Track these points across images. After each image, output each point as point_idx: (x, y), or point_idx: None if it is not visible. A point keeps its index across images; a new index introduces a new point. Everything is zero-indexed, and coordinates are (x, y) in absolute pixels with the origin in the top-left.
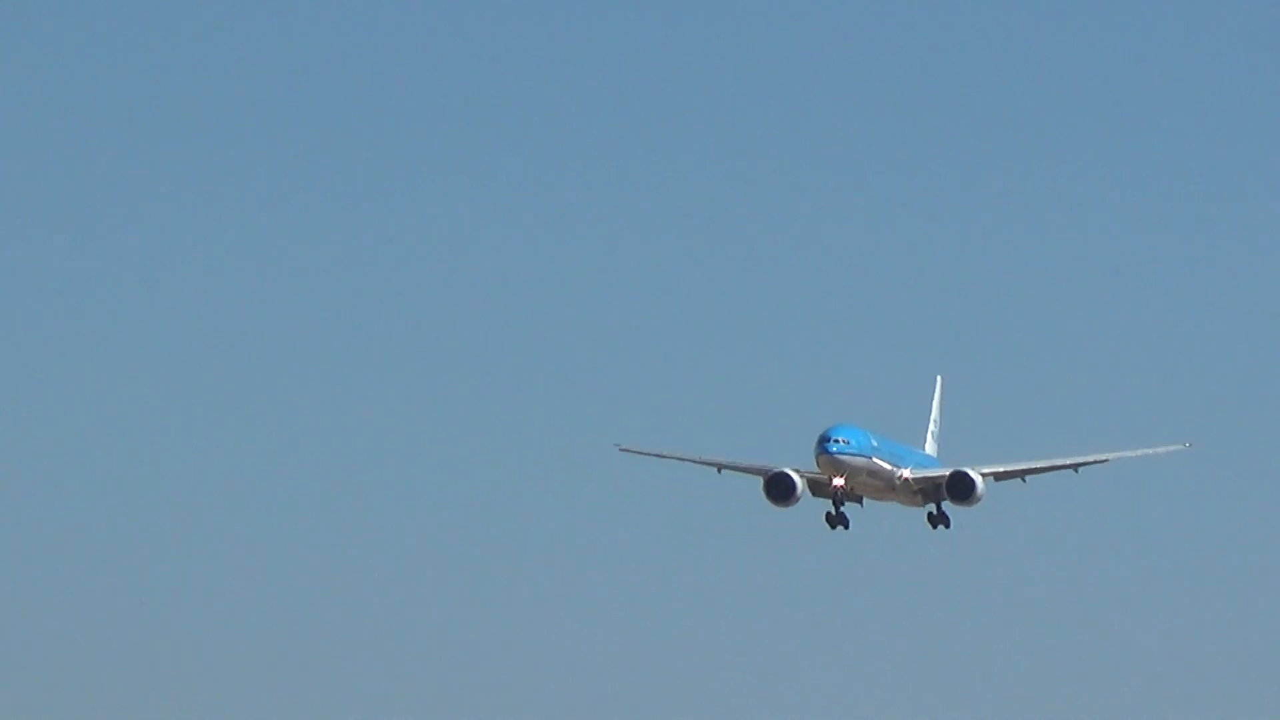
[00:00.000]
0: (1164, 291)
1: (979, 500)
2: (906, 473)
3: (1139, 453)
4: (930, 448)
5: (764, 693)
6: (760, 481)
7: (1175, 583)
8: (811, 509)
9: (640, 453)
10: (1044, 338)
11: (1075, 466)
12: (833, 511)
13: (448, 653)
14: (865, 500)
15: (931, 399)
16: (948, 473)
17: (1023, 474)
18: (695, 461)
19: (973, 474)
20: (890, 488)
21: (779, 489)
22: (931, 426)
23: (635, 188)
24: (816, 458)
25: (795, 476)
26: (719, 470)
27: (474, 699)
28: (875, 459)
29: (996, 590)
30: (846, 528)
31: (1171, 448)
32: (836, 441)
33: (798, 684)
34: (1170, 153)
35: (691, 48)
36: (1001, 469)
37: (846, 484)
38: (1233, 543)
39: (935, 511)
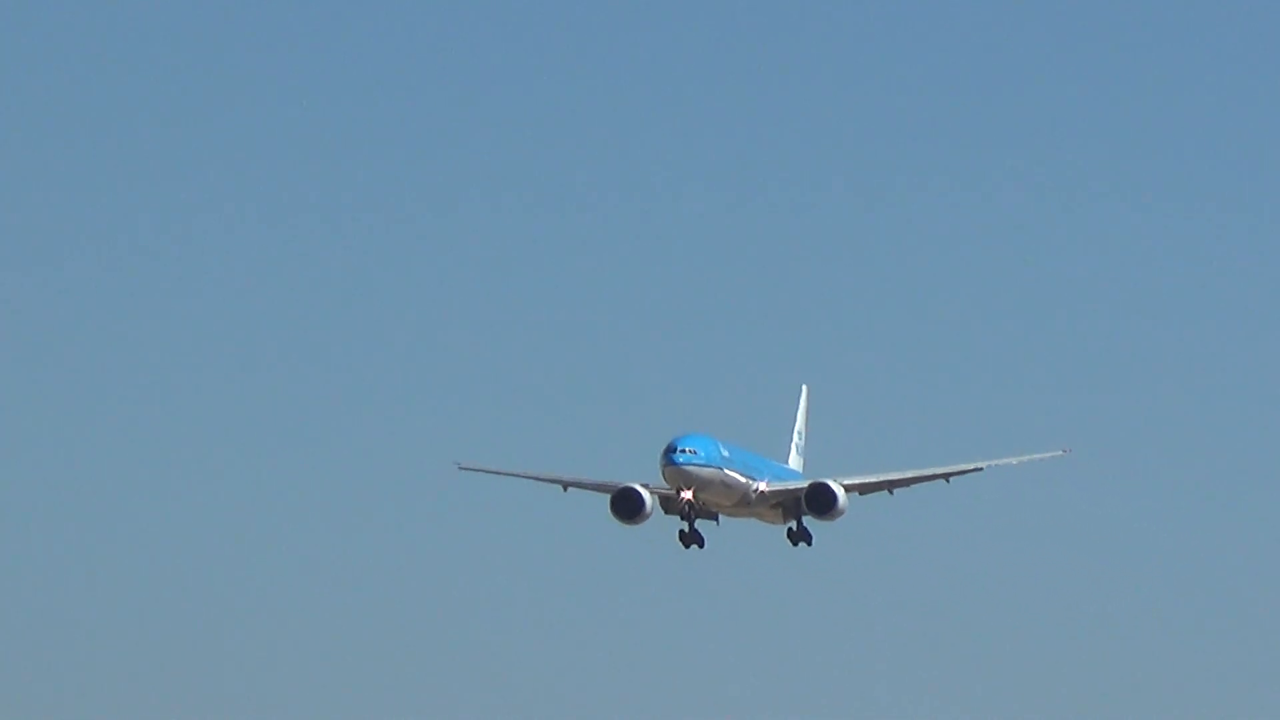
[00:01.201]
0: (1035, 296)
1: (841, 514)
2: (762, 485)
3: (1015, 460)
4: (795, 461)
5: (614, 712)
6: (608, 499)
7: (1052, 594)
8: (664, 527)
9: (482, 470)
10: (915, 345)
11: (947, 476)
12: (685, 529)
13: (278, 673)
14: (721, 517)
15: (796, 409)
16: (807, 485)
17: (890, 485)
18: (539, 479)
19: (834, 485)
20: (745, 502)
21: (626, 506)
22: (795, 438)
23: (468, 196)
24: (662, 469)
25: (644, 492)
26: (564, 488)
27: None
28: (727, 470)
29: (861, 610)
30: (701, 546)
31: (1049, 454)
32: (683, 452)
33: (649, 709)
34: (1022, 151)
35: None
36: (866, 480)
37: (696, 497)
38: (1112, 550)
39: (795, 527)
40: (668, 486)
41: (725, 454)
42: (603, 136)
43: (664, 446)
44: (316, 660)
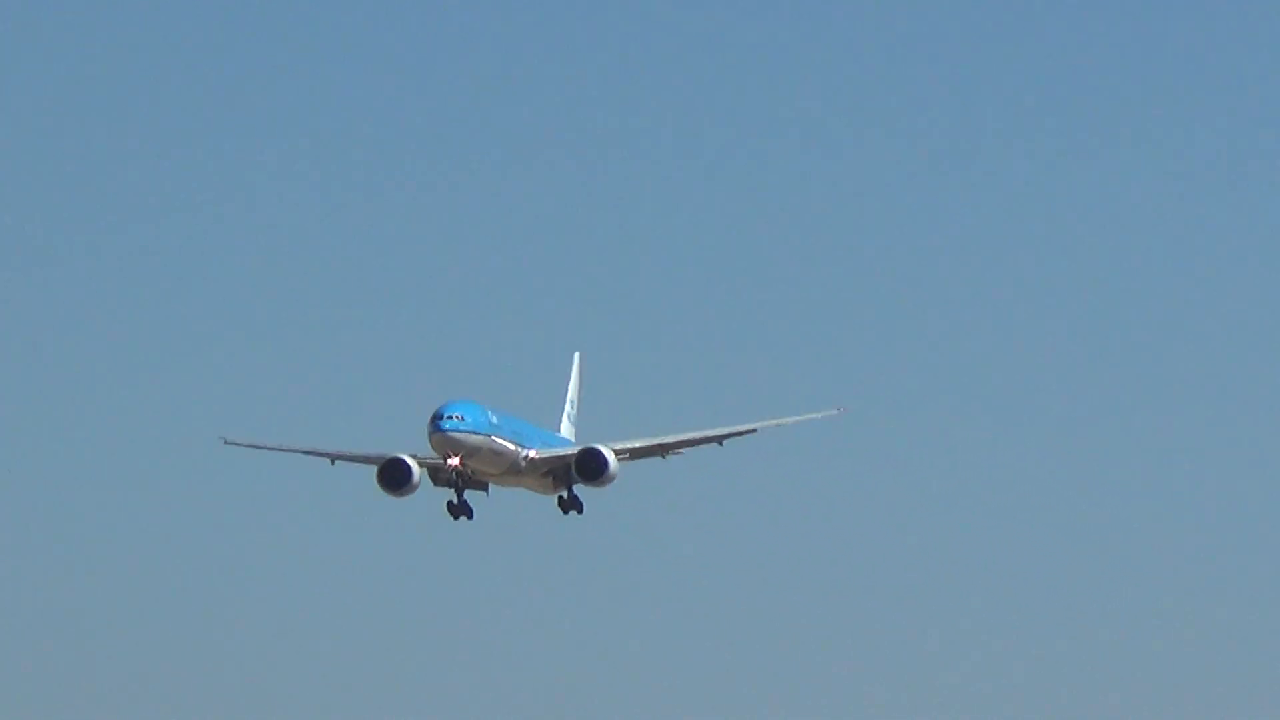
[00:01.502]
0: (806, 256)
1: (612, 479)
2: (532, 453)
3: (789, 420)
4: (567, 430)
5: (385, 689)
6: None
7: (828, 556)
8: (432, 499)
9: (247, 445)
10: (687, 311)
11: (720, 439)
12: (454, 500)
13: (51, 651)
14: (491, 487)
15: (568, 378)
16: (576, 450)
17: (662, 450)
18: (305, 453)
19: (604, 450)
20: (515, 470)
21: (393, 476)
22: (568, 407)
23: (251, 165)
24: (429, 437)
25: (411, 463)
26: (332, 461)
27: (74, 693)
28: (495, 437)
29: (634, 577)
30: (470, 517)
31: (823, 414)
32: (449, 418)
33: (421, 680)
34: (804, 104)
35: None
36: (637, 444)
37: (465, 466)
38: (892, 511)
39: (566, 496)
40: (435, 456)
41: (493, 420)
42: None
43: (430, 414)
44: (80, 639)
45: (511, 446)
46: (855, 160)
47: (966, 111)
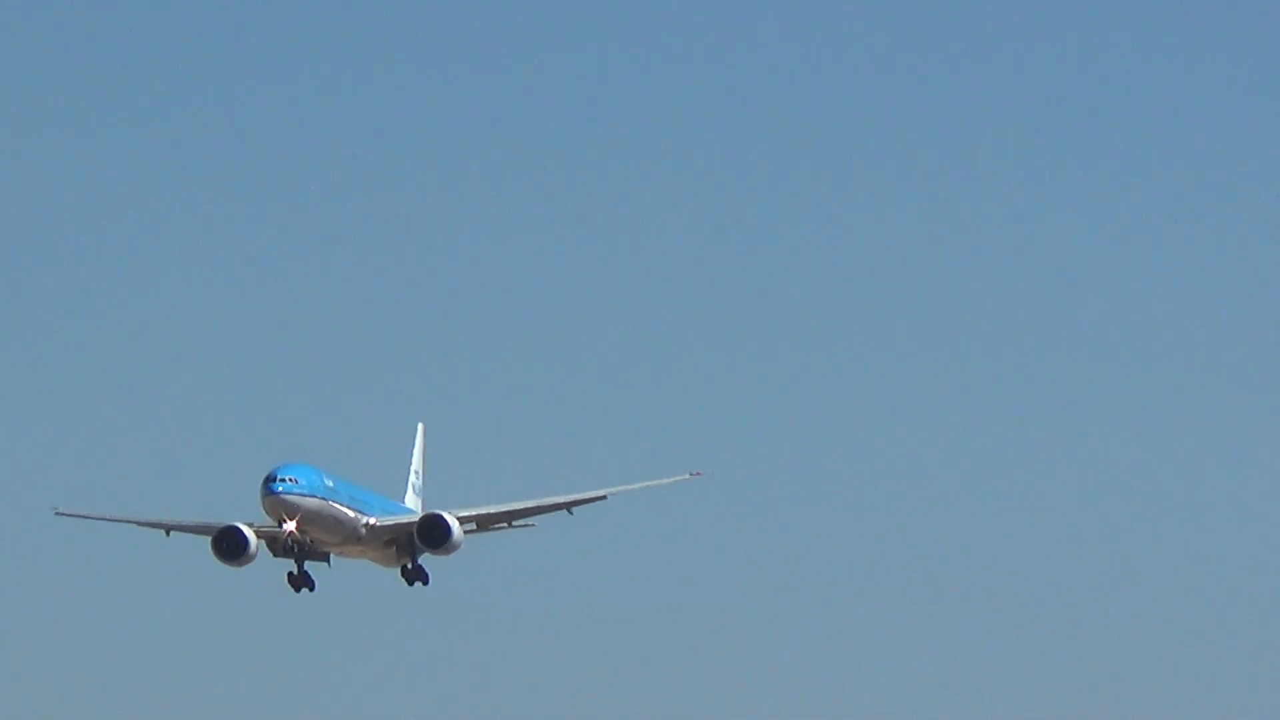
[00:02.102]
0: (657, 313)
1: (456, 547)
2: (372, 519)
3: (640, 485)
4: (412, 501)
5: None
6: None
7: (686, 624)
8: (272, 570)
9: (80, 516)
10: (531, 376)
11: (569, 505)
12: (294, 571)
13: None
14: (333, 558)
15: (412, 448)
16: (419, 517)
17: (509, 517)
18: (139, 524)
19: (446, 516)
20: (355, 538)
21: (228, 545)
22: (412, 477)
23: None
24: (262, 500)
25: (246, 531)
26: (167, 533)
27: None
28: (331, 502)
29: (483, 650)
30: (312, 589)
31: (677, 478)
32: (282, 480)
33: None
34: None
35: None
36: (484, 511)
37: (300, 531)
38: (747, 570)
39: (411, 565)
40: (272, 523)
41: (329, 484)
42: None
43: (263, 477)
44: None
45: (350, 513)
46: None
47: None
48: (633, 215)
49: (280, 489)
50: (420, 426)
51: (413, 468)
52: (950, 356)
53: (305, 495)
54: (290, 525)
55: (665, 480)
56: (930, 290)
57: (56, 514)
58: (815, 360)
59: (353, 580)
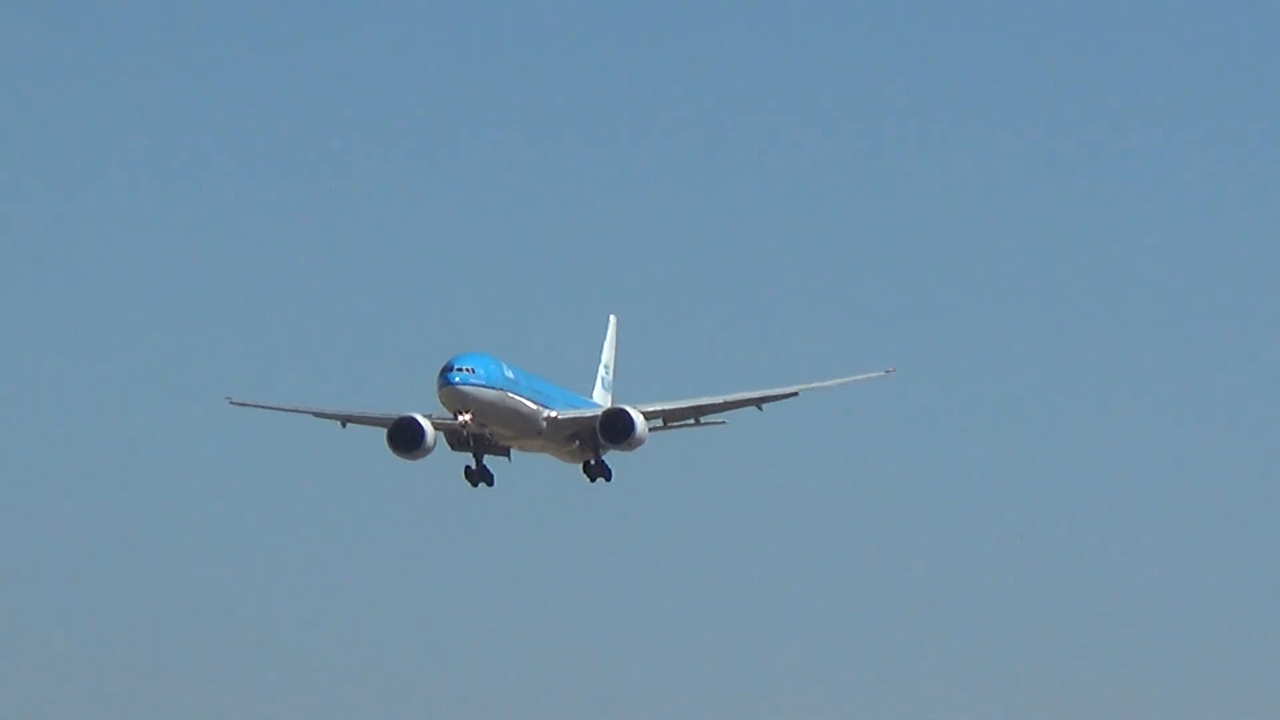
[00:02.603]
0: (850, 214)
1: (640, 442)
2: (553, 413)
3: (834, 382)
4: (600, 396)
5: (393, 666)
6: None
7: (873, 527)
8: (450, 464)
9: (253, 405)
10: (726, 272)
11: (759, 402)
12: (473, 465)
13: (55, 610)
14: (514, 453)
15: (603, 341)
16: (601, 411)
17: (697, 413)
18: (314, 414)
19: (630, 411)
20: (535, 432)
21: (404, 438)
22: (602, 371)
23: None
24: (439, 391)
25: (424, 423)
26: (343, 424)
27: (90, 662)
28: (511, 394)
29: (664, 552)
30: (490, 484)
31: (871, 375)
32: (459, 370)
33: (441, 658)
34: (833, 74)
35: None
36: (670, 406)
37: (477, 423)
38: (937, 482)
39: (593, 461)
40: (448, 415)
41: (510, 375)
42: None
43: (441, 367)
44: (90, 603)
45: (531, 405)
46: (889, 124)
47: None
48: (830, 110)
49: (457, 379)
50: (612, 319)
51: (602, 361)
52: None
53: (483, 386)
54: (466, 417)
55: (859, 377)
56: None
57: (230, 403)
58: (1015, 265)
59: (533, 476)
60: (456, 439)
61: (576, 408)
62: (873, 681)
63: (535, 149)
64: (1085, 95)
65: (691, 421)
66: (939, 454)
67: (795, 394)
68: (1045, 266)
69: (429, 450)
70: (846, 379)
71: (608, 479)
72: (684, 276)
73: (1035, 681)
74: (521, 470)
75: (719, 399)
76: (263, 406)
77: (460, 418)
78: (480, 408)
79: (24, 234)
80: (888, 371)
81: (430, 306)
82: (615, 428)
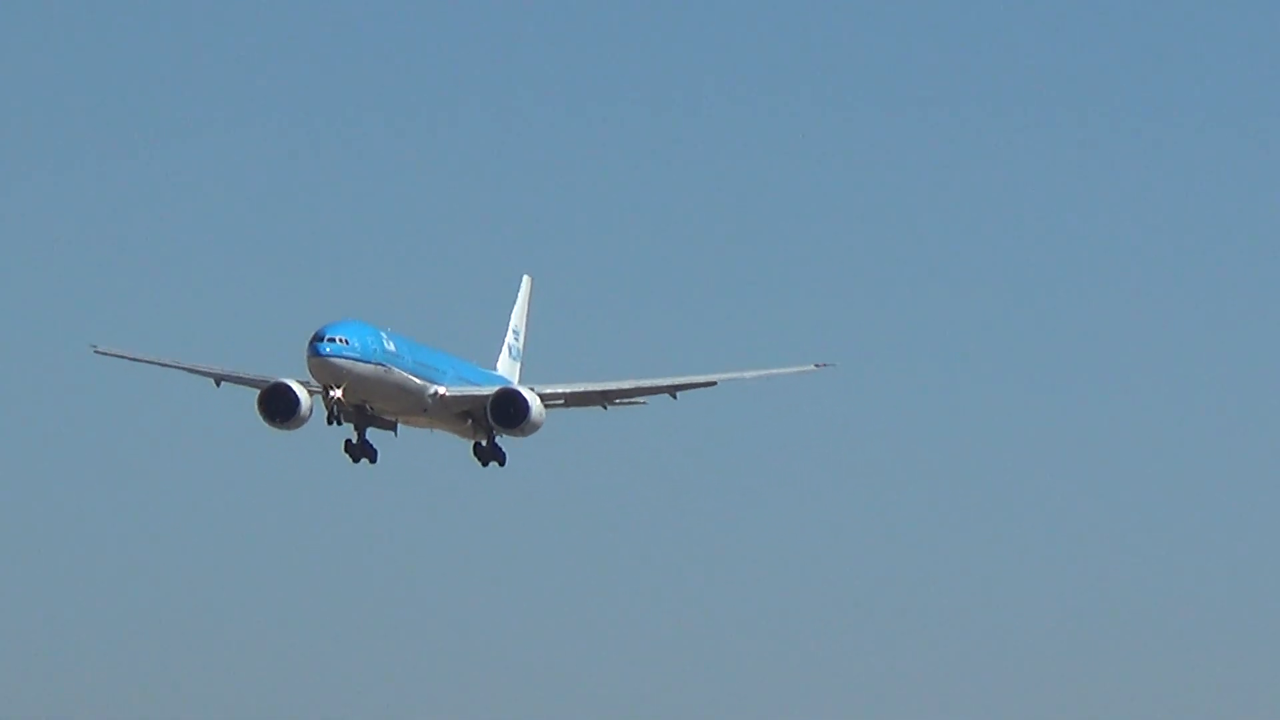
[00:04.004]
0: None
1: (534, 428)
2: (442, 389)
3: (756, 374)
4: (506, 366)
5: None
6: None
7: (780, 527)
8: (331, 436)
9: (120, 356)
10: (661, 248)
11: (673, 390)
12: (354, 439)
13: None
14: (400, 427)
15: (514, 304)
16: (493, 391)
17: (605, 398)
18: (189, 370)
19: (524, 393)
20: (420, 409)
21: (276, 405)
22: (510, 338)
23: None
24: (307, 362)
25: (298, 390)
26: (217, 383)
27: None
28: (392, 368)
29: (551, 545)
30: (373, 461)
31: (800, 369)
32: (330, 340)
33: (305, 642)
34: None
35: None
36: (576, 389)
37: (349, 398)
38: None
39: (486, 443)
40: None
41: (389, 347)
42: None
43: (310, 336)
44: None
45: (415, 380)
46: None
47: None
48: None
49: (327, 350)
50: (526, 279)
51: (511, 326)
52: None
53: (356, 360)
54: (337, 393)
55: (785, 370)
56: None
57: (95, 352)
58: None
59: (421, 453)
60: (341, 411)
61: (471, 384)
62: (777, 667)
63: (455, 96)
64: (1050, 85)
65: (600, 406)
66: (864, 452)
67: (713, 383)
68: (982, 254)
69: (303, 420)
70: (769, 371)
71: (501, 463)
72: (609, 244)
73: (993, 661)
74: (409, 446)
75: (630, 384)
76: (130, 358)
77: (331, 393)
78: (355, 382)
79: None
80: (818, 366)
81: (332, 264)
82: (506, 411)
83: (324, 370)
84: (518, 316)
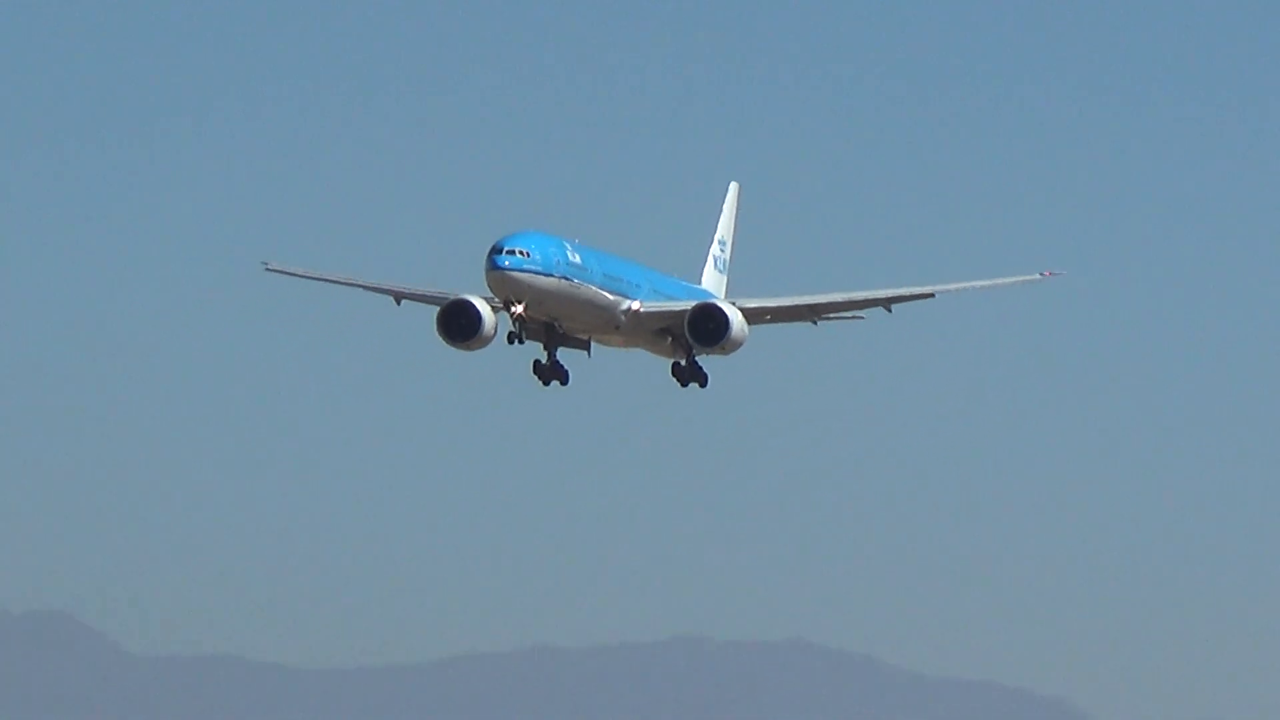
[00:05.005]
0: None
1: (736, 345)
2: (635, 304)
3: (976, 285)
4: (711, 279)
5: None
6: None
7: (998, 450)
8: (519, 356)
9: (293, 274)
10: (878, 162)
11: (888, 303)
12: (543, 360)
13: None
14: (595, 346)
15: (719, 212)
16: (691, 305)
17: (813, 311)
18: (365, 287)
19: (723, 307)
20: (612, 326)
21: (458, 323)
22: (714, 249)
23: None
24: (486, 276)
25: (481, 308)
26: (397, 301)
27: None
28: (577, 282)
29: (757, 467)
30: (564, 383)
31: (1024, 278)
32: (509, 253)
33: (491, 572)
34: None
35: None
36: (781, 303)
37: (533, 315)
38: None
39: (685, 363)
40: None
41: (575, 260)
42: None
43: (489, 248)
44: (122, 471)
45: (606, 295)
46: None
47: None
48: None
49: (506, 263)
50: (733, 186)
51: (716, 236)
52: None
53: (538, 273)
54: (519, 309)
55: (1009, 280)
56: None
57: (266, 269)
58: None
59: (616, 374)
60: (513, 332)
61: (668, 298)
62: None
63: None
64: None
65: (810, 321)
66: (1094, 368)
67: (931, 295)
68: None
69: (488, 340)
70: (992, 281)
71: (702, 384)
72: (821, 149)
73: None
74: (603, 367)
75: (841, 296)
76: (304, 275)
77: (512, 309)
78: (537, 297)
79: None
80: (1045, 275)
81: (533, 175)
82: (704, 327)
83: (503, 285)
84: (724, 227)
